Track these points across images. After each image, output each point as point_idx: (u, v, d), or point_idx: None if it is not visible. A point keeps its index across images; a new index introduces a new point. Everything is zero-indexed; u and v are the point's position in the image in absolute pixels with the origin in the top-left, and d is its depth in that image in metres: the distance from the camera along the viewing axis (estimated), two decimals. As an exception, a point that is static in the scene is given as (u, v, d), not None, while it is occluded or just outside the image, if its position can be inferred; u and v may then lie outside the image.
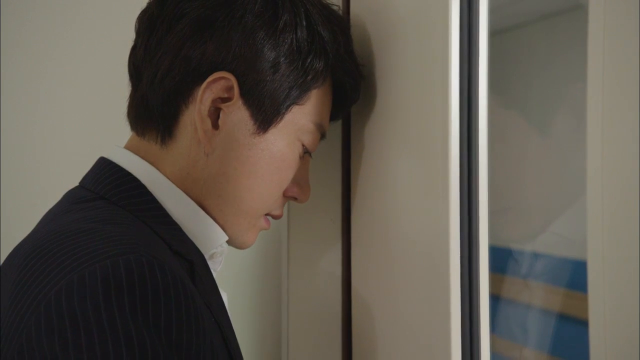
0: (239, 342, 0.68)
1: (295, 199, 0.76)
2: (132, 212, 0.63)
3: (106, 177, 0.66)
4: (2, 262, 0.63)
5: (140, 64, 0.69)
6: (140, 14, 0.71)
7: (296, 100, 0.69)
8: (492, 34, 0.64)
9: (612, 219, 0.50)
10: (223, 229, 0.71)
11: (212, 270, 0.71)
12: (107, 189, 0.65)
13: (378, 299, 0.78)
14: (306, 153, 0.74)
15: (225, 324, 0.65)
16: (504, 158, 0.85)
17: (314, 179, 0.80)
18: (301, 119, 0.71)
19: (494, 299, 0.65)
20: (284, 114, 0.69)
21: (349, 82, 0.75)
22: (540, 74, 0.85)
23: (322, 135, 0.75)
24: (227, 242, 0.73)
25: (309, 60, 0.69)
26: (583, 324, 0.53)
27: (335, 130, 0.87)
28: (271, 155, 0.69)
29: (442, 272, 0.64)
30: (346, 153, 0.86)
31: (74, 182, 0.69)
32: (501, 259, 0.89)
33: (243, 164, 0.68)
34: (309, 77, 0.69)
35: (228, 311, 0.71)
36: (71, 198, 0.66)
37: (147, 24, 0.69)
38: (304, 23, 0.69)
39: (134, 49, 0.71)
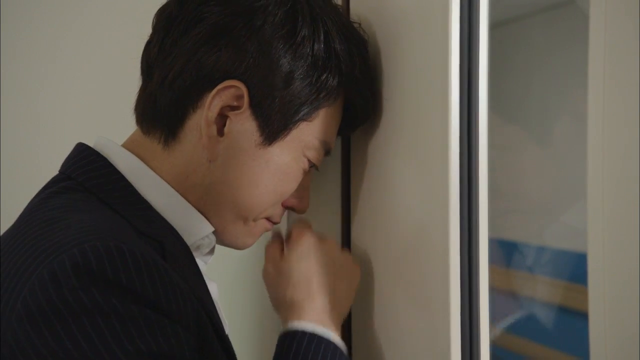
0: (237, 337, 0.68)
1: (293, 209, 0.75)
2: (96, 194, 0.63)
3: (74, 156, 0.67)
4: None
5: (153, 61, 0.68)
6: (160, 9, 0.70)
7: (305, 117, 0.68)
8: (491, 27, 0.64)
9: (612, 211, 0.50)
10: (221, 234, 0.71)
11: (200, 262, 0.70)
12: (73, 168, 0.65)
13: (378, 291, 0.78)
14: (312, 166, 0.73)
15: (209, 305, 0.64)
16: (502, 150, 0.85)
17: (314, 173, 0.80)
18: (307, 135, 0.70)
19: (493, 291, 0.65)
20: (290, 129, 0.68)
21: (360, 104, 0.74)
22: (540, 67, 0.85)
23: (327, 152, 0.74)
24: (225, 244, 0.73)
25: (323, 77, 0.68)
26: (583, 316, 0.53)
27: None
28: (276, 168, 0.69)
29: (441, 267, 0.64)
30: (346, 148, 0.86)
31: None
32: (499, 251, 0.89)
33: (245, 174, 0.68)
34: (322, 95, 0.68)
35: (217, 302, 0.71)
36: (47, 183, 0.66)
37: (164, 22, 0.68)
38: (322, 39, 0.67)
39: (148, 44, 0.70)
